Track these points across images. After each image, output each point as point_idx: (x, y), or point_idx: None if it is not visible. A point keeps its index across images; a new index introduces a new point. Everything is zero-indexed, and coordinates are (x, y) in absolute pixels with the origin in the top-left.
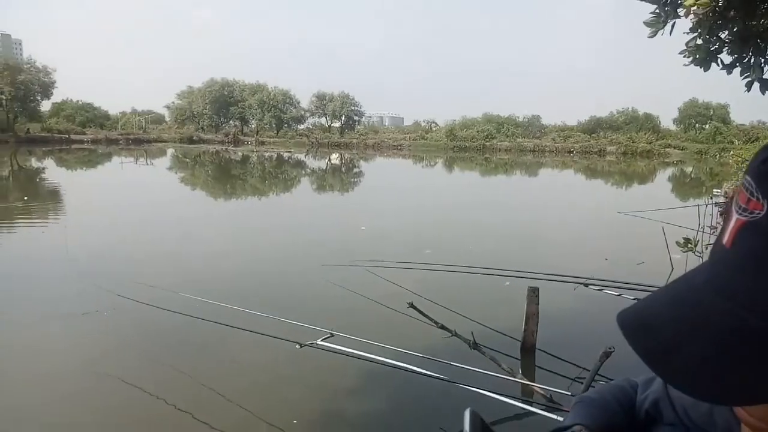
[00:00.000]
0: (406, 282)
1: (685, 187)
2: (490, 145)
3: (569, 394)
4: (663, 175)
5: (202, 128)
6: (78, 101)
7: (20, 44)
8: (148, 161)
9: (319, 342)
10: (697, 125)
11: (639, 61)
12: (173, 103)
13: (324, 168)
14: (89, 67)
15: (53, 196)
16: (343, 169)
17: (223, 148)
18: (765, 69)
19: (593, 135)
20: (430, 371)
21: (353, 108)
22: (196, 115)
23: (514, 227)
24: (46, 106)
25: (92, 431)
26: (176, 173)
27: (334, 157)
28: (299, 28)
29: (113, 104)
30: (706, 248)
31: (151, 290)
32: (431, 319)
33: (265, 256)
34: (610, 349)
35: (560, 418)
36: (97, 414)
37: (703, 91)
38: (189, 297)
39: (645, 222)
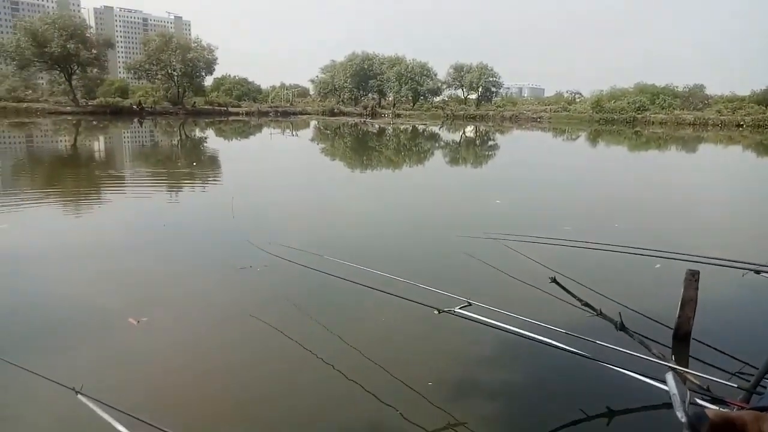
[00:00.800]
0: (544, 258)
1: None
2: (642, 117)
3: (734, 385)
4: None
5: (342, 101)
6: (235, 77)
7: (189, 25)
8: (294, 133)
9: (457, 309)
10: None
11: None
12: (317, 77)
13: (457, 141)
14: (244, 47)
15: (215, 163)
16: (477, 141)
17: (362, 120)
18: None
19: None
20: (572, 347)
21: (491, 79)
22: (337, 89)
23: (666, 205)
24: (208, 81)
25: (245, 374)
26: (318, 144)
27: (469, 130)
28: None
29: (265, 79)
30: None
31: (299, 252)
32: (574, 296)
33: (401, 225)
34: None
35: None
36: (248, 356)
37: None
38: (333, 260)
39: None
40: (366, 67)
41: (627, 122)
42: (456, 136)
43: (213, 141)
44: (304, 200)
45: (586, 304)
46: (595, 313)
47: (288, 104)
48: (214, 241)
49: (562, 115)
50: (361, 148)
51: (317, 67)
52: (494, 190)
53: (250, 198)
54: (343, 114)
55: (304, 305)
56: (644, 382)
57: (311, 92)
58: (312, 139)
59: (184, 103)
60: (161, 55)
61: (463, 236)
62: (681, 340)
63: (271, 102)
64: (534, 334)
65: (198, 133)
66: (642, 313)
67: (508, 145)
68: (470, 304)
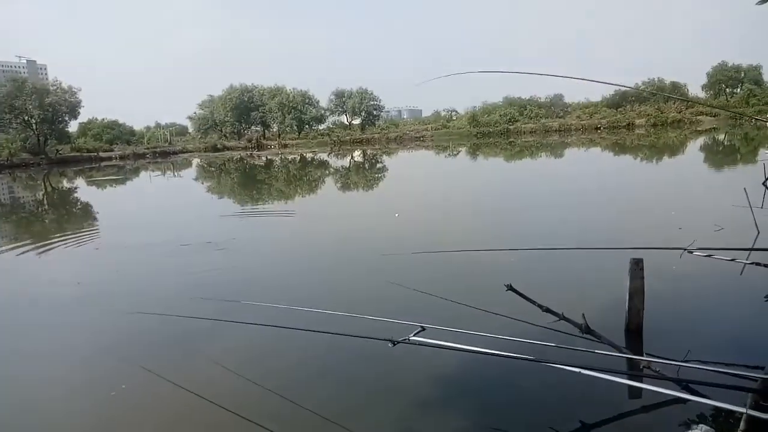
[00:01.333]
0: (478, 267)
1: (719, 156)
2: (514, 128)
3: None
4: (694, 146)
5: (225, 135)
6: (103, 119)
7: (45, 69)
8: (176, 173)
9: (412, 337)
10: (727, 90)
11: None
12: (195, 113)
13: (346, 166)
14: (111, 89)
15: (86, 215)
16: (366, 165)
17: (247, 153)
18: None
19: (620, 109)
20: (539, 357)
21: (372, 103)
22: (218, 123)
23: (563, 206)
24: (73, 127)
25: None
26: (203, 183)
27: (357, 154)
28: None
29: (137, 120)
30: None
31: (213, 304)
32: (533, 302)
33: (319, 256)
34: None
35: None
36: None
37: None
38: (263, 305)
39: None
40: (246, 99)
41: (501, 134)
42: (345, 162)
43: (84, 191)
44: (198, 247)
45: (548, 310)
46: (558, 318)
47: (166, 144)
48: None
49: (442, 133)
50: (251, 182)
51: (194, 103)
52: (395, 206)
53: (131, 255)
54: (227, 149)
55: (248, 368)
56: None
57: (190, 130)
58: (196, 179)
59: (47, 152)
60: (14, 102)
61: (387, 255)
62: (633, 332)
63: (147, 143)
64: (497, 350)
65: (66, 183)
66: (590, 310)
67: (396, 167)
68: (423, 329)
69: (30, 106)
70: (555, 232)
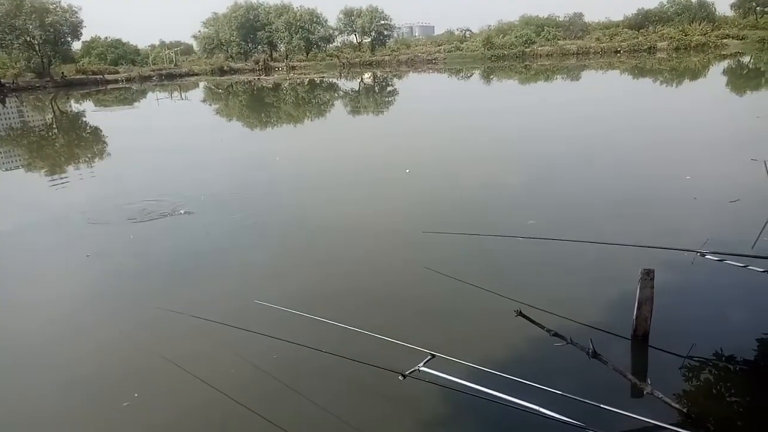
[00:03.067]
0: (469, 257)
1: (741, 80)
2: (530, 51)
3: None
4: (717, 69)
5: (231, 57)
6: (107, 38)
7: None
8: (183, 96)
9: (421, 368)
10: (758, 8)
11: None
12: (200, 32)
13: (356, 90)
14: (112, 2)
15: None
16: (377, 89)
17: (255, 77)
18: None
19: (641, 31)
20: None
21: (383, 23)
22: (224, 43)
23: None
24: (76, 47)
25: None
26: (210, 105)
27: (367, 77)
28: None
29: (141, 38)
30: None
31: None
32: (542, 326)
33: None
34: None
35: None
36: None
37: None
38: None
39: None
40: (252, 17)
41: (517, 57)
42: (355, 85)
43: (92, 116)
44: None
45: (556, 334)
46: (565, 342)
47: (172, 65)
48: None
49: (455, 55)
50: (259, 105)
51: (198, 21)
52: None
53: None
54: (234, 71)
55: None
56: None
57: (196, 49)
58: (203, 100)
59: (52, 74)
60: (14, 22)
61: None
62: (640, 340)
63: (153, 64)
64: (508, 395)
65: (74, 106)
66: (592, 316)
67: (407, 94)
68: (433, 357)
69: (30, 26)
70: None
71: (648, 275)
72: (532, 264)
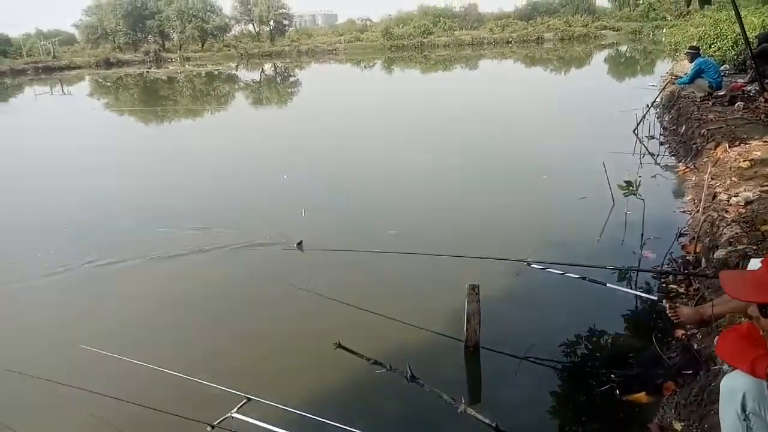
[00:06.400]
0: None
1: (621, 68)
2: (428, 41)
3: None
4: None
5: (119, 47)
6: None
7: None
8: (65, 90)
9: (234, 414)
10: (632, 1)
11: None
12: (81, 20)
13: (258, 83)
14: None
15: None
16: (278, 81)
17: (145, 69)
18: None
19: (530, 22)
20: None
21: (281, 11)
22: (109, 33)
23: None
24: None
25: None
26: (98, 99)
27: (267, 67)
28: None
29: (13, 26)
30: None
31: None
32: (361, 356)
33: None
34: None
35: None
36: None
37: None
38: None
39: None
40: (140, 5)
41: (416, 47)
42: (256, 75)
43: None
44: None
45: (376, 362)
46: (385, 369)
47: (50, 58)
48: None
49: (356, 46)
50: (153, 99)
51: (79, 8)
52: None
53: None
54: (122, 63)
55: None
56: None
57: (78, 39)
58: (90, 95)
59: None
60: None
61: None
62: (472, 351)
63: (27, 56)
64: None
65: None
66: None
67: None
68: (249, 400)
69: None
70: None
71: (473, 290)
72: (368, 280)
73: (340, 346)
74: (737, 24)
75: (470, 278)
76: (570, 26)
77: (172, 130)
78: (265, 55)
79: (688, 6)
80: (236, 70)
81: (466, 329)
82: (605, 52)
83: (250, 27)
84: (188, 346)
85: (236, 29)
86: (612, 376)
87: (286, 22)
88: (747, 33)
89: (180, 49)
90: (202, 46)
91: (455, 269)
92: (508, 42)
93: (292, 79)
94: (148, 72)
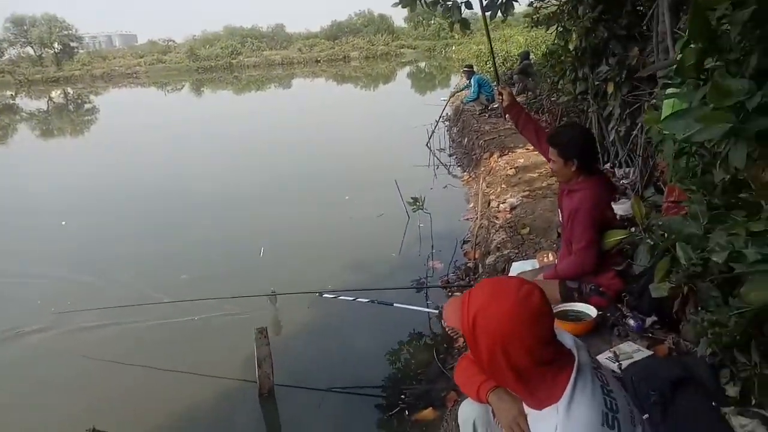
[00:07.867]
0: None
1: (422, 82)
2: (237, 62)
3: None
4: (402, 74)
5: None
6: None
7: None
8: None
9: None
10: (424, 21)
11: None
12: None
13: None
14: None
15: None
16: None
17: None
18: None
19: (336, 41)
20: None
21: (66, 33)
22: None
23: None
24: None
25: None
26: None
27: (56, 94)
28: None
29: None
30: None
31: None
32: None
33: None
34: None
35: None
36: None
37: None
38: None
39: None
40: None
41: (225, 68)
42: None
43: None
44: None
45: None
46: None
47: None
48: None
49: (159, 68)
50: None
51: None
52: None
53: None
54: None
55: None
56: None
57: None
58: None
59: None
60: None
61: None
62: (267, 396)
63: None
64: None
65: None
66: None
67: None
68: None
69: None
70: None
71: (261, 333)
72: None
73: (94, 430)
74: (497, 43)
75: (263, 319)
76: (373, 45)
77: None
78: (51, 81)
79: (451, 30)
80: (14, 99)
81: (258, 375)
82: (407, 69)
83: (30, 50)
84: None
85: (11, 52)
86: (402, 396)
87: (74, 44)
88: (514, 50)
89: None
90: None
91: (250, 311)
92: (318, 61)
93: (87, 106)
94: None
